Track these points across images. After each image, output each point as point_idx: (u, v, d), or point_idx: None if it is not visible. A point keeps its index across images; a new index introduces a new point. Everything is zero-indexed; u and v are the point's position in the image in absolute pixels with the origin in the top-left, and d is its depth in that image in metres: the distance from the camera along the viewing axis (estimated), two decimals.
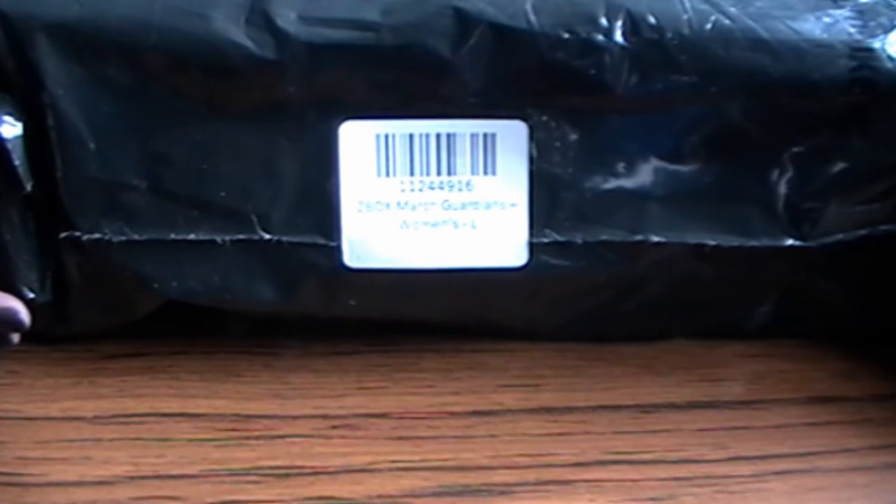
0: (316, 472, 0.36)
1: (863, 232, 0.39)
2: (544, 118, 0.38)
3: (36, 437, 0.38)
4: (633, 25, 0.37)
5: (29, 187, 0.38)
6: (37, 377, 0.40)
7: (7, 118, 0.38)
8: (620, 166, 0.39)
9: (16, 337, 0.37)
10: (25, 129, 0.38)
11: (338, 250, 0.39)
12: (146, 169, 0.38)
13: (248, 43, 0.37)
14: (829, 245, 0.39)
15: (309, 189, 0.39)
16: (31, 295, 0.39)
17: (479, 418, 0.39)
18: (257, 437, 0.38)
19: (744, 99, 0.38)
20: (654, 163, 0.39)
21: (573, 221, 0.39)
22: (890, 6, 0.38)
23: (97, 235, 0.39)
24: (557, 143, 0.38)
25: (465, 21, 0.37)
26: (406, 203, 0.39)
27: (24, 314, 0.36)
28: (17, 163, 0.38)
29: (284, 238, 0.39)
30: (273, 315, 0.41)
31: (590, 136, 0.38)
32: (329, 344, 0.42)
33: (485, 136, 0.38)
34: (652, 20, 0.37)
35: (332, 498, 0.35)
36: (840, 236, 0.39)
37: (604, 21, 0.37)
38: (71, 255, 0.39)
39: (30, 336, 0.37)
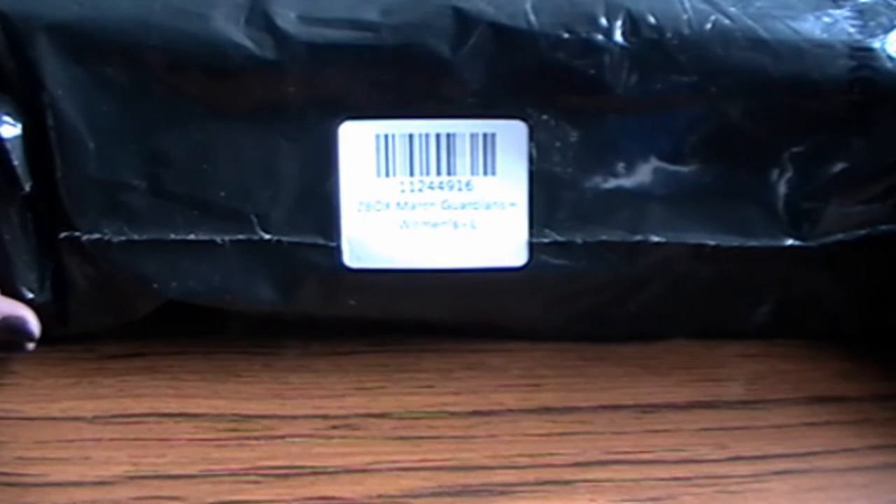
0: (316, 472, 0.36)
1: (863, 232, 0.39)
2: (544, 118, 0.38)
3: (36, 437, 0.38)
4: (633, 25, 0.37)
5: (28, 187, 0.38)
6: (37, 377, 0.40)
7: (6, 118, 0.38)
8: (620, 166, 0.39)
9: (31, 345, 0.37)
10: (25, 129, 0.38)
11: (337, 250, 0.39)
12: (146, 169, 0.38)
13: (248, 43, 0.37)
14: (829, 245, 0.39)
15: (309, 189, 0.39)
16: (31, 295, 0.39)
17: (479, 418, 0.39)
18: (257, 437, 0.38)
19: (743, 99, 0.38)
20: (654, 163, 0.39)
21: (573, 221, 0.39)
22: (889, 6, 0.38)
23: (97, 235, 0.39)
24: (557, 143, 0.38)
25: (464, 21, 0.37)
26: (406, 203, 0.39)
27: (33, 324, 0.36)
28: (16, 163, 0.38)
29: (284, 238, 0.39)
30: (273, 315, 0.41)
31: (590, 135, 0.38)
32: (329, 344, 0.42)
33: (484, 136, 0.38)
34: (651, 20, 0.37)
35: (332, 498, 0.35)
36: (840, 236, 0.39)
37: (603, 21, 0.37)
38: (71, 256, 0.39)
39: None
